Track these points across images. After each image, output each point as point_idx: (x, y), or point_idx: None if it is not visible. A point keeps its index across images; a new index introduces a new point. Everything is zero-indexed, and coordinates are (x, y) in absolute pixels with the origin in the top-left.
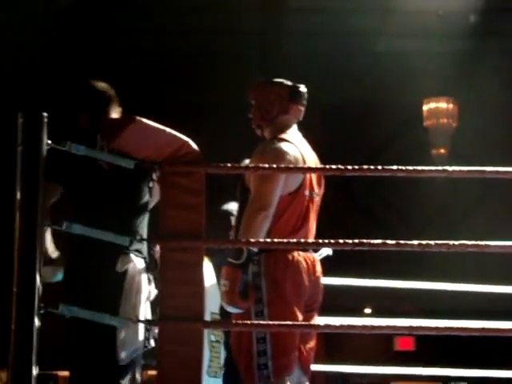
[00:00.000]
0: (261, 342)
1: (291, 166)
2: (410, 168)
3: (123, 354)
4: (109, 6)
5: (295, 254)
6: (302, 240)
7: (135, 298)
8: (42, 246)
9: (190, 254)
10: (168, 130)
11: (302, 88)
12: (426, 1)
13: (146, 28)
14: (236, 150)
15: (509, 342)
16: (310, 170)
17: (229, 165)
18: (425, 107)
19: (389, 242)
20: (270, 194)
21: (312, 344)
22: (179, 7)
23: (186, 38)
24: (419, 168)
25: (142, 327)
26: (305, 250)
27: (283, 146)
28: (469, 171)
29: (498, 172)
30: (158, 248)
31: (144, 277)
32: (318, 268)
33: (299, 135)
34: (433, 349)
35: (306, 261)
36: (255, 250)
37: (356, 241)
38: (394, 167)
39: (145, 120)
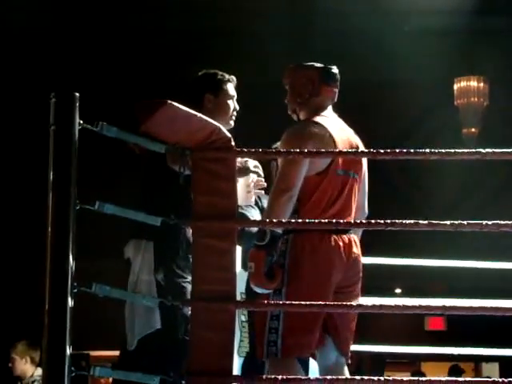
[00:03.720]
0: (273, 320)
1: (316, 147)
2: (443, 151)
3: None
4: None
5: (325, 235)
6: (333, 220)
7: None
8: (74, 225)
9: (222, 240)
10: (199, 115)
11: (334, 69)
12: None
13: (172, 6)
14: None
15: None
16: (341, 153)
17: (260, 150)
18: (455, 86)
19: (421, 222)
20: (294, 176)
21: (352, 325)
22: None
23: (213, 17)
24: (451, 150)
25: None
26: (338, 232)
27: (309, 127)
28: (502, 153)
29: None
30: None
31: None
32: (355, 249)
33: (333, 116)
34: (464, 329)
35: (337, 242)
36: (279, 231)
37: (388, 221)
38: (427, 150)
39: (176, 104)
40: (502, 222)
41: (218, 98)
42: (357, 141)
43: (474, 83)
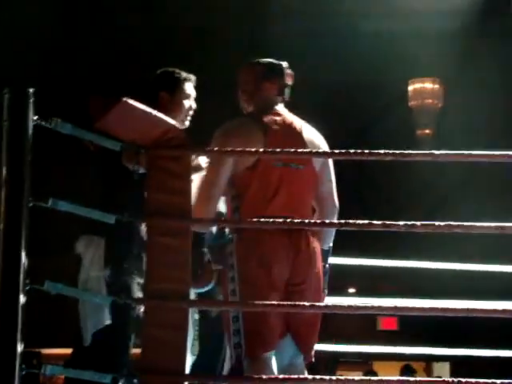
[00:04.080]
0: (235, 321)
1: (240, 143)
2: (397, 152)
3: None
4: None
5: (268, 231)
6: (285, 220)
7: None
8: (27, 222)
9: (176, 239)
10: (155, 112)
11: (279, 64)
12: None
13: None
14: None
15: (490, 321)
16: (295, 153)
17: (215, 148)
18: (410, 87)
19: (375, 222)
20: (213, 174)
21: (314, 320)
22: None
23: (177, 16)
24: (405, 152)
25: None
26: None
27: (234, 123)
28: (455, 154)
29: (483, 155)
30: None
31: None
32: (306, 244)
33: (280, 111)
34: (415, 329)
35: (281, 238)
36: (205, 231)
37: (342, 221)
38: (381, 151)
39: (132, 101)
40: (455, 223)
41: (174, 97)
42: (309, 135)
43: (428, 85)
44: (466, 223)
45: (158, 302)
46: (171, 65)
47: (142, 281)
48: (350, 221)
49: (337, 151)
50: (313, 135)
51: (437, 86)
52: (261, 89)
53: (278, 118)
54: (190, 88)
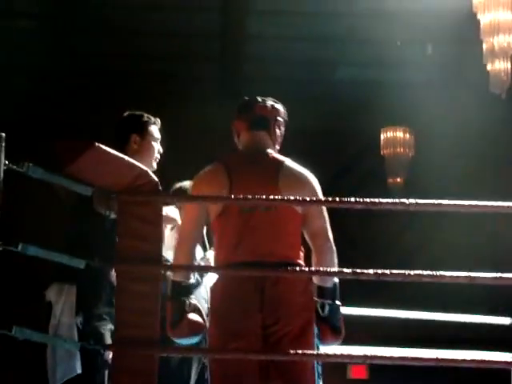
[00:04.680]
0: (206, 371)
1: (209, 189)
2: (368, 200)
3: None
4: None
5: (235, 277)
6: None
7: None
8: None
9: (145, 285)
10: (126, 158)
11: (247, 100)
12: (385, 31)
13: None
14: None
15: (463, 370)
16: (265, 200)
17: (187, 196)
18: (382, 136)
19: (345, 270)
20: (184, 223)
21: (301, 365)
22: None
23: (146, 62)
24: (376, 200)
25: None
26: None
27: (205, 170)
28: (426, 204)
29: (454, 205)
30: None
31: None
32: (274, 283)
33: (259, 150)
34: (386, 377)
35: (245, 283)
36: (177, 279)
37: (312, 268)
38: (352, 199)
39: (103, 146)
40: (425, 273)
41: (144, 140)
42: (288, 174)
43: (399, 134)
44: (436, 272)
45: (126, 349)
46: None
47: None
48: (321, 268)
49: (303, 199)
50: (296, 170)
51: (408, 135)
52: (235, 129)
53: (251, 160)
54: (156, 131)
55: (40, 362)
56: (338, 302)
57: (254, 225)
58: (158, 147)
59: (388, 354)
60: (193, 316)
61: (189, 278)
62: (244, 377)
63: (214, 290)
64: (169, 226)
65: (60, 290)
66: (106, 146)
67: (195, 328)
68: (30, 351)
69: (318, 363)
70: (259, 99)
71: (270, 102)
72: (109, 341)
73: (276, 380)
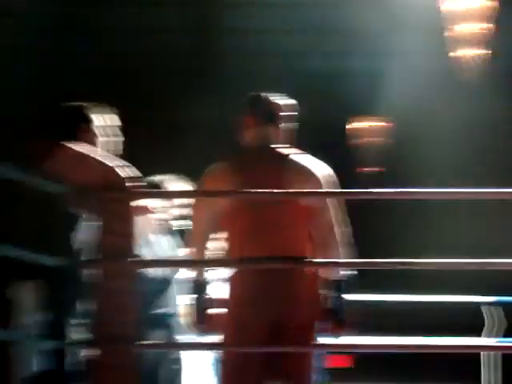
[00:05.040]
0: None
1: (212, 186)
2: (341, 190)
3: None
4: None
5: (243, 273)
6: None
7: None
8: None
9: (120, 278)
10: (97, 157)
11: (257, 96)
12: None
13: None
14: None
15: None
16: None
17: (155, 191)
18: (355, 126)
19: (339, 260)
20: (193, 224)
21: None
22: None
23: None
24: (351, 190)
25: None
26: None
27: (211, 166)
28: (397, 192)
29: (427, 193)
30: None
31: None
32: (288, 281)
33: (266, 145)
34: (372, 366)
35: (251, 280)
36: (200, 279)
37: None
38: (330, 190)
39: (74, 146)
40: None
41: (90, 127)
42: (297, 166)
43: (372, 123)
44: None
45: (105, 346)
46: None
47: (80, 322)
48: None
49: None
50: (298, 167)
51: (381, 125)
52: (245, 125)
53: (257, 155)
54: (98, 117)
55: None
56: (342, 295)
57: (262, 220)
58: (99, 131)
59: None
60: (212, 311)
61: (203, 276)
62: (246, 368)
63: (232, 282)
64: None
65: (22, 288)
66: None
67: (216, 323)
68: None
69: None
70: (266, 94)
71: (277, 97)
72: (75, 337)
73: (277, 373)
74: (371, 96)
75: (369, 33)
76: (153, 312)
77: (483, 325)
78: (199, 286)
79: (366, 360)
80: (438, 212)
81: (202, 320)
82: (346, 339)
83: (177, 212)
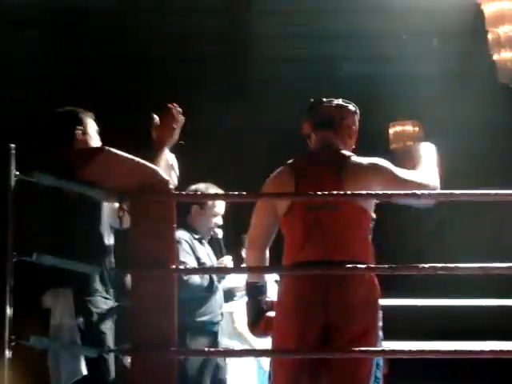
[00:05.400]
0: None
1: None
2: (380, 192)
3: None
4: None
5: (298, 277)
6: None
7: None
8: (12, 277)
9: (159, 285)
10: (137, 159)
11: (312, 102)
12: (388, 25)
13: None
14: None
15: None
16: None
17: (198, 193)
18: (391, 130)
19: (359, 266)
20: (254, 227)
21: (353, 367)
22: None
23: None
24: (388, 192)
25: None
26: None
27: (273, 173)
28: (438, 194)
29: (466, 194)
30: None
31: None
32: (338, 285)
33: (320, 152)
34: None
35: (307, 283)
36: (249, 280)
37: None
38: (363, 192)
39: (113, 150)
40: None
41: (87, 131)
42: (354, 170)
43: (408, 128)
44: (450, 265)
45: (143, 351)
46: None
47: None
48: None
49: (311, 193)
50: (358, 167)
51: (417, 129)
52: (304, 131)
53: (311, 161)
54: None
55: (42, 367)
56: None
57: (319, 223)
58: (97, 137)
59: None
60: (270, 314)
61: (263, 279)
62: (295, 374)
63: (281, 287)
64: (214, 219)
65: (56, 295)
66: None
67: (269, 327)
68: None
69: (377, 368)
70: (324, 99)
71: (335, 102)
72: (110, 339)
73: (327, 379)
74: (408, 100)
75: (403, 38)
76: (197, 319)
77: None
78: (255, 289)
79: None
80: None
81: (258, 323)
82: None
83: (220, 221)
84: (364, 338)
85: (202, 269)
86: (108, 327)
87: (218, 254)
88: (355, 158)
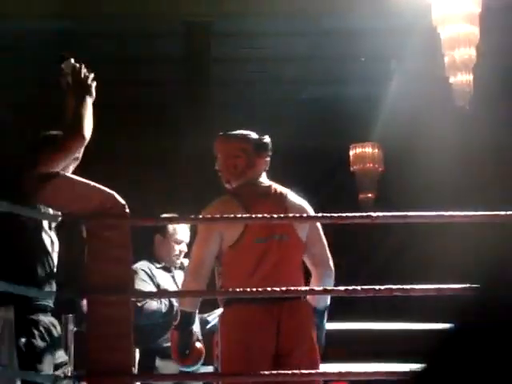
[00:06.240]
0: None
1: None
2: (335, 215)
3: None
4: None
5: (251, 307)
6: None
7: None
8: None
9: (116, 308)
10: (93, 183)
11: (266, 139)
12: (348, 48)
13: None
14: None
15: None
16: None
17: (154, 217)
18: (351, 152)
19: (316, 288)
20: (199, 256)
21: None
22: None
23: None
24: (344, 215)
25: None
26: (265, 302)
27: (219, 202)
28: (392, 216)
29: (421, 216)
30: (84, 302)
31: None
32: (291, 317)
33: (264, 183)
34: None
35: (262, 313)
36: (187, 310)
37: (283, 288)
38: (319, 214)
39: (69, 175)
40: (394, 287)
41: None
42: (293, 202)
43: (368, 149)
44: (405, 286)
45: (100, 378)
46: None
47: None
48: (292, 288)
49: (275, 216)
50: (297, 201)
51: (376, 151)
52: (254, 164)
53: (261, 192)
54: None
55: None
56: (324, 323)
57: (271, 252)
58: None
59: (363, 370)
60: (198, 345)
61: (197, 308)
62: None
63: (226, 317)
64: (177, 247)
65: None
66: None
67: (201, 356)
68: None
69: None
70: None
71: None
72: (48, 361)
73: None
74: (369, 122)
75: (361, 60)
76: (164, 345)
77: None
78: (190, 319)
79: None
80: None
81: (190, 354)
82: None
83: (184, 248)
84: (310, 356)
85: (157, 292)
86: (50, 351)
87: None
88: (292, 196)
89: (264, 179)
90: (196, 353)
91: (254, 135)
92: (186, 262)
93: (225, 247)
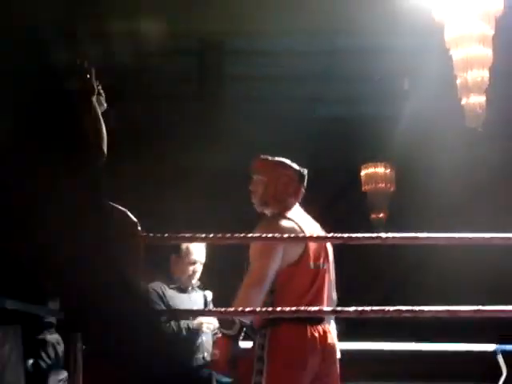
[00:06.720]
0: None
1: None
2: (345, 235)
3: None
4: None
5: (300, 327)
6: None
7: None
8: None
9: None
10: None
11: (305, 172)
12: (361, 67)
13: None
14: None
15: None
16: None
17: (168, 235)
18: (363, 172)
19: (325, 309)
20: (265, 269)
21: None
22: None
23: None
24: (353, 235)
25: None
26: (312, 322)
27: (281, 221)
28: (402, 237)
29: (432, 238)
30: None
31: None
32: (330, 339)
33: (301, 211)
34: None
35: (312, 333)
36: (247, 322)
37: (301, 308)
38: (330, 235)
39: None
40: (404, 308)
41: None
42: (323, 233)
43: (380, 169)
44: (416, 308)
45: None
46: None
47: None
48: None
49: (286, 236)
50: (319, 229)
51: (388, 171)
52: (297, 193)
53: (307, 220)
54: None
55: None
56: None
57: (318, 279)
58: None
59: None
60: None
61: (247, 321)
62: None
63: (276, 337)
64: (191, 267)
65: (3, 334)
66: None
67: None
68: None
69: None
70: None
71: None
72: (52, 380)
73: None
74: (381, 141)
75: (376, 79)
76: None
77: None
78: (247, 330)
79: None
80: None
81: (235, 364)
82: None
83: (199, 268)
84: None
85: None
86: (55, 369)
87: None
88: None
89: (298, 208)
90: (247, 365)
91: (295, 166)
92: (209, 295)
93: (284, 265)
